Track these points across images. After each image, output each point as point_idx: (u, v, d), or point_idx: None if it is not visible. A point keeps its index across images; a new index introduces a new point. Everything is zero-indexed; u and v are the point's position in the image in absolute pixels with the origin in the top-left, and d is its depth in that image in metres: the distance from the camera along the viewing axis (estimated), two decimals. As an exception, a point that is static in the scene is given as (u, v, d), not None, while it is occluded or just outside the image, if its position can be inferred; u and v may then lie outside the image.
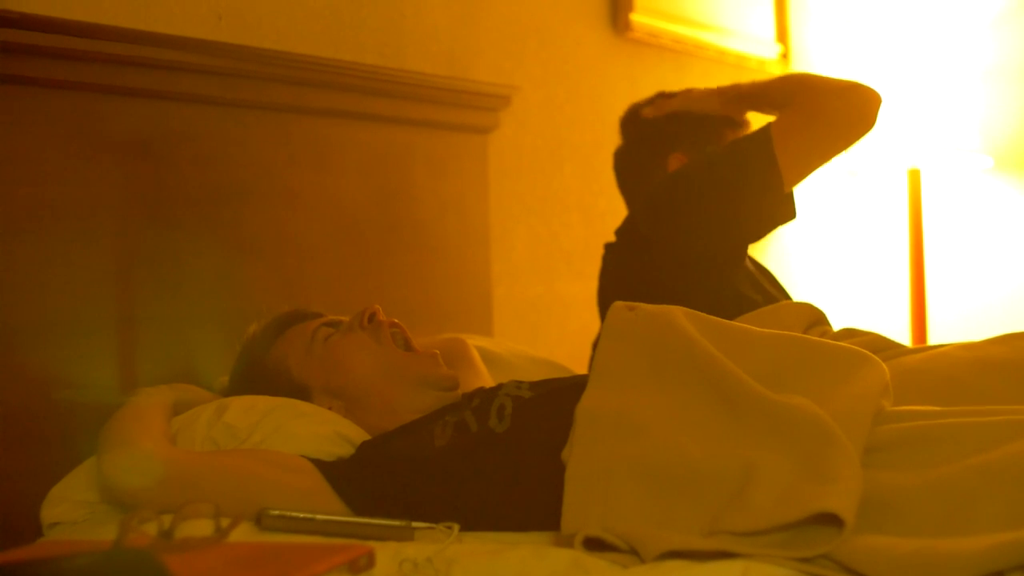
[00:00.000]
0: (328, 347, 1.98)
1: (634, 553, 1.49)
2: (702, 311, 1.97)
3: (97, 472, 1.76)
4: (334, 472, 1.77)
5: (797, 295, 2.77)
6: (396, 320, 2.01)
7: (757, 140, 2.39)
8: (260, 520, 1.64)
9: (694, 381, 1.69)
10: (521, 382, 1.88)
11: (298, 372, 1.97)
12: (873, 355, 1.76)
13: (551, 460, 1.64)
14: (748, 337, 1.78)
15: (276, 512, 1.64)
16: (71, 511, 1.83)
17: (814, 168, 2.43)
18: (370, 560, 1.45)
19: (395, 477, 1.75)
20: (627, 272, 2.52)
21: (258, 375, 2.00)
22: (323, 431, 1.89)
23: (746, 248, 2.51)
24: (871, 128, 2.42)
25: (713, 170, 2.45)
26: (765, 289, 2.55)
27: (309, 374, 1.97)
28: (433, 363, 1.98)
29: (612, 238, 2.63)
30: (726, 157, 2.46)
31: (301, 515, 1.65)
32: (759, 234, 2.49)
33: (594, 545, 1.52)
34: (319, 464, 1.79)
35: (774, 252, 4.13)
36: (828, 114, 2.41)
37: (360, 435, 1.93)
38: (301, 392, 1.97)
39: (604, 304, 2.58)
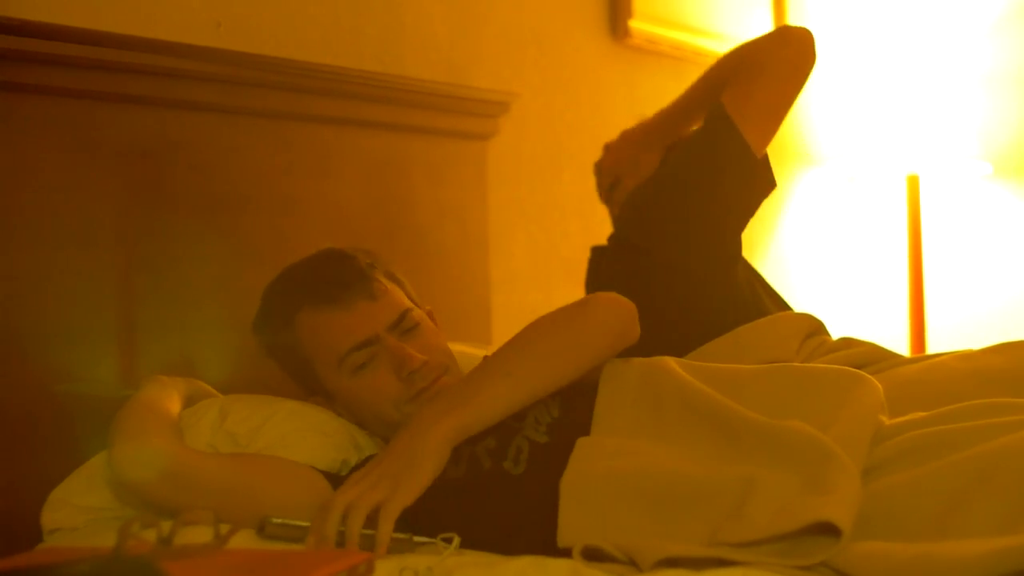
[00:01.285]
0: (355, 379, 1.93)
1: (632, 564, 1.49)
2: (702, 316, 1.98)
3: (108, 461, 1.76)
4: None
5: (795, 301, 2.76)
6: (427, 359, 1.92)
7: (715, 122, 2.37)
8: (263, 528, 1.64)
9: (693, 418, 1.73)
10: (540, 421, 1.83)
11: (324, 376, 1.95)
12: (865, 374, 1.77)
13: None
14: (740, 376, 1.81)
15: (278, 520, 1.64)
16: (72, 516, 1.83)
17: (776, 124, 2.41)
18: (368, 568, 1.45)
19: None
20: (623, 279, 2.50)
21: (282, 343, 1.98)
22: (328, 438, 1.89)
23: (739, 233, 2.49)
24: (814, 63, 2.39)
25: (686, 165, 2.43)
26: (760, 295, 2.54)
27: (334, 386, 1.95)
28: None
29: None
30: (692, 149, 2.44)
31: (303, 524, 1.65)
32: (747, 212, 2.47)
33: (592, 556, 1.52)
34: (329, 477, 1.80)
35: (772, 258, 4.13)
36: (769, 68, 2.36)
37: (367, 441, 1.95)
38: (321, 389, 1.97)
39: None
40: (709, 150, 2.36)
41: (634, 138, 2.65)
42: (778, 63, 2.36)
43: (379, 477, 1.65)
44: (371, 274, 1.97)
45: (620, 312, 1.90)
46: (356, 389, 1.93)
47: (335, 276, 1.95)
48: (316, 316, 1.93)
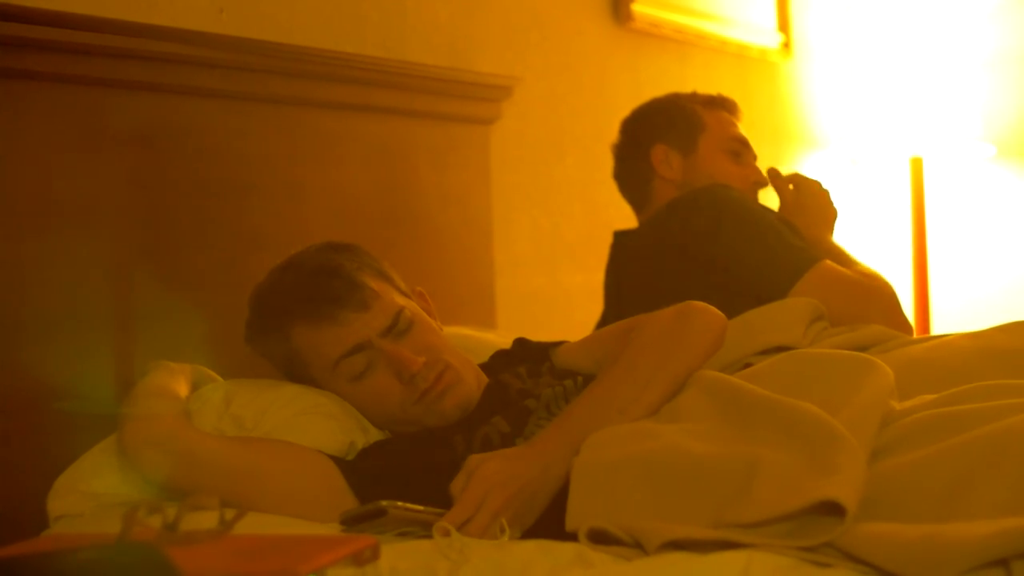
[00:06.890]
0: (358, 386, 1.92)
1: (638, 547, 1.49)
2: (724, 302, 1.99)
3: (117, 442, 1.77)
4: (354, 473, 1.79)
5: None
6: (425, 359, 1.90)
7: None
8: (382, 512, 1.62)
9: (704, 399, 1.74)
10: (553, 408, 1.85)
11: (324, 381, 1.94)
12: (876, 359, 1.77)
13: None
14: (753, 374, 1.82)
15: (401, 505, 1.63)
16: (78, 503, 1.83)
17: None
18: (374, 553, 1.45)
19: (416, 483, 1.76)
20: (653, 267, 2.49)
21: (279, 353, 1.97)
22: (335, 421, 1.89)
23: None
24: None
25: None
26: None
27: (336, 391, 1.94)
28: (439, 404, 1.92)
29: (614, 228, 2.63)
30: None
31: (420, 508, 1.64)
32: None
33: (599, 539, 1.53)
34: (339, 463, 1.80)
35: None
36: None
37: (373, 428, 1.94)
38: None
39: (619, 293, 2.57)
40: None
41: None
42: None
43: (506, 485, 1.66)
44: (361, 281, 1.93)
45: (714, 326, 1.91)
46: (360, 394, 1.93)
47: (327, 292, 1.91)
48: (311, 332, 1.91)
